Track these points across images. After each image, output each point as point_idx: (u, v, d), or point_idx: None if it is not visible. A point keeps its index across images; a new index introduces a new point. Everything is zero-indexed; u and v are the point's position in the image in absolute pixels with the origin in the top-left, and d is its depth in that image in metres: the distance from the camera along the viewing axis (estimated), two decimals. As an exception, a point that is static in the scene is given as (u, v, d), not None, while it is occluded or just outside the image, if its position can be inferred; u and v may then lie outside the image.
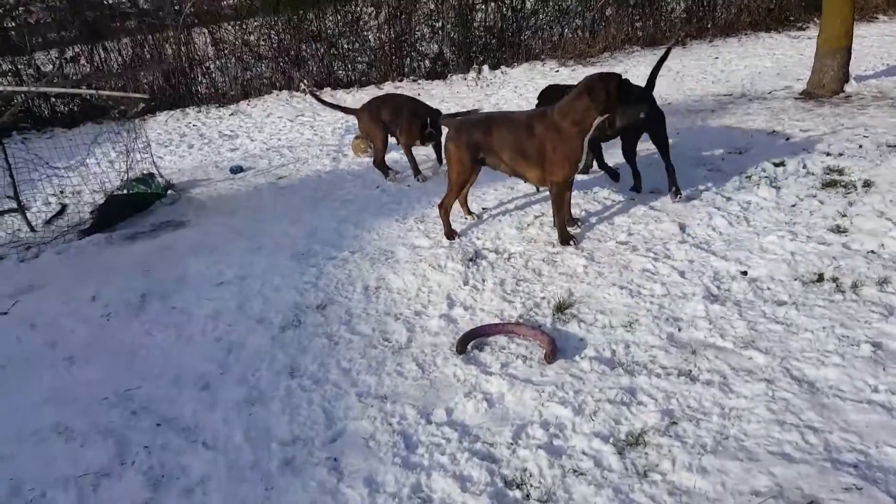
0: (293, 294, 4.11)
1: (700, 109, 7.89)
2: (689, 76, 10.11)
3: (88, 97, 7.47)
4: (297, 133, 8.98)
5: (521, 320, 3.56)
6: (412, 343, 3.50)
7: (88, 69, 11.02)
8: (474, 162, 4.46)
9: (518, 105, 9.25)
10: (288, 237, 5.03)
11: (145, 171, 6.81)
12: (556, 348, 3.23)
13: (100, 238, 5.53)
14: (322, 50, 11.67)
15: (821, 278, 3.63)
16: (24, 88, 5.32)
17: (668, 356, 3.11)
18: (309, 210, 5.70)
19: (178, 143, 8.95)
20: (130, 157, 6.37)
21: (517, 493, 2.44)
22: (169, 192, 6.61)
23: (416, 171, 6.18)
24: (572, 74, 11.05)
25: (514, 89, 10.40)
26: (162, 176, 6.80)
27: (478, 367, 3.19)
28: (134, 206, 6.24)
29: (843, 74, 7.56)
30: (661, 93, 9.10)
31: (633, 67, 11.00)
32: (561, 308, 3.63)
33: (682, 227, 4.46)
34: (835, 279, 3.60)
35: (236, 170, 7.25)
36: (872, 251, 3.84)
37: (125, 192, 6.66)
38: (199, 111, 10.78)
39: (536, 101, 5.50)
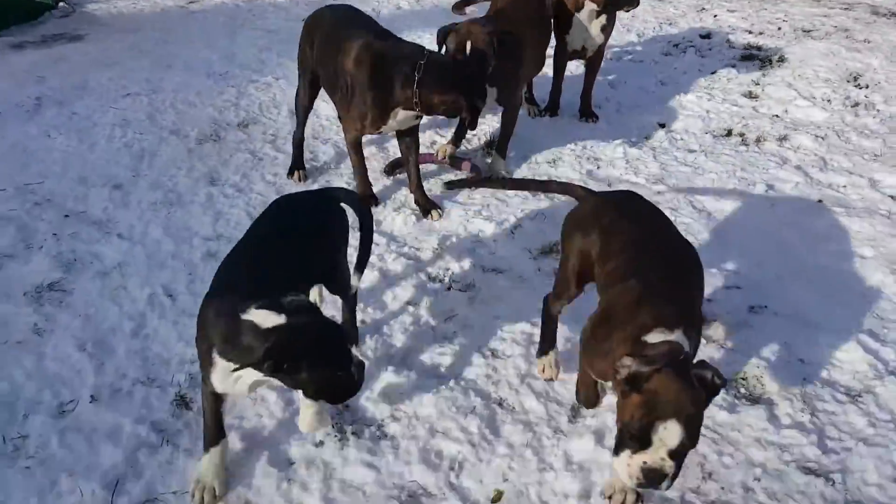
0: (211, 111, 3.86)
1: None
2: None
3: None
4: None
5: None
6: (341, 164, 3.45)
7: None
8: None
9: None
10: (202, 60, 4.63)
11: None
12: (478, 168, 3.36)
13: (-24, 42, 4.87)
14: None
15: (729, 133, 3.88)
16: None
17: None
18: (226, 36, 5.24)
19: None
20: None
21: (438, 285, 2.58)
22: (61, 3, 5.82)
23: None
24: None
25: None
26: (52, -17, 5.95)
27: (406, 187, 3.22)
28: (16, 13, 5.46)
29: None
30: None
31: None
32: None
33: (612, 85, 4.56)
34: (741, 134, 3.87)
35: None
36: (777, 115, 4.13)
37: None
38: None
39: None
